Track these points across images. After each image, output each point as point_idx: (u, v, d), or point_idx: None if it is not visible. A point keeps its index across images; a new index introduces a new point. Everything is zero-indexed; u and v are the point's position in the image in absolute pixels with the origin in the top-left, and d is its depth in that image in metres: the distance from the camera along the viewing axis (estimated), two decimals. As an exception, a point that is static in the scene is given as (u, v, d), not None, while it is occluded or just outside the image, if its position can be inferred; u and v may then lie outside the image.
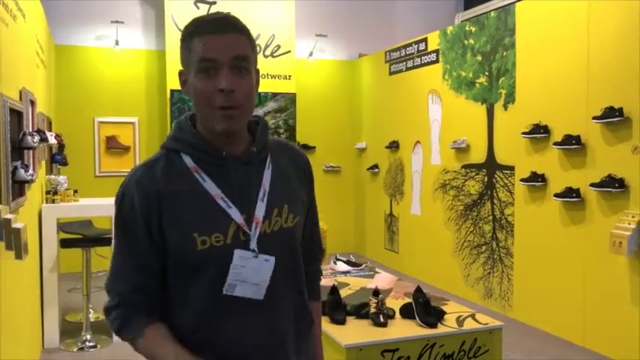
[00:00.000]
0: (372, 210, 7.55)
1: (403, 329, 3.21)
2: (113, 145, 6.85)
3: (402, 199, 6.79)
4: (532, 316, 4.72)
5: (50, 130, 5.17)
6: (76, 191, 4.59)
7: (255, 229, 1.27)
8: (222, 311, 1.26)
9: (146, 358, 1.27)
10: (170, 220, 1.24)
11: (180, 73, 1.30)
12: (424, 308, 3.32)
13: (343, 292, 4.01)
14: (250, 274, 1.25)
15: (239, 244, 1.25)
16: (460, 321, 3.37)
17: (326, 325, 3.29)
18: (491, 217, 5.26)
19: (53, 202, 4.34)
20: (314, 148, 7.70)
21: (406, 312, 3.41)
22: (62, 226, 4.71)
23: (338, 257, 4.88)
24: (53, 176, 4.63)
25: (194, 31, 1.23)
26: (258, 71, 1.30)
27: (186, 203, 1.25)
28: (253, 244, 1.26)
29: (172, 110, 6.47)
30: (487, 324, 3.33)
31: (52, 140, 4.47)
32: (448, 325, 3.27)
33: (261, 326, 1.29)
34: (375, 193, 7.44)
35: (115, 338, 4.43)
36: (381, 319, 3.28)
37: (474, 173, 5.48)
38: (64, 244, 4.52)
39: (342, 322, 3.30)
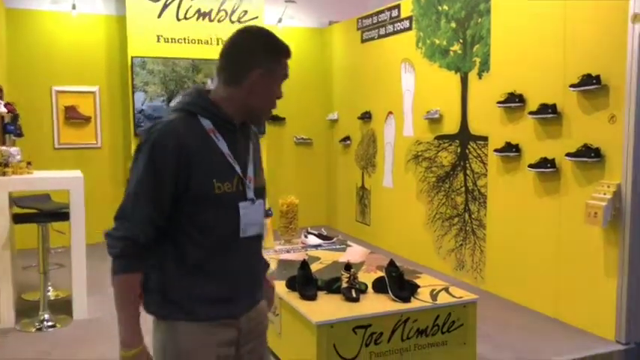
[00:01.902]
0: (343, 183, 7.43)
1: (376, 304, 3.11)
2: (72, 116, 6.51)
3: (374, 171, 6.67)
4: (504, 288, 4.68)
5: (0, 99, 4.84)
6: (29, 163, 4.32)
7: (249, 183, 1.64)
8: (232, 246, 1.62)
9: (116, 292, 1.55)
10: (196, 167, 1.53)
11: (254, 70, 1.59)
12: (397, 282, 3.21)
13: (314, 267, 3.88)
14: (253, 216, 1.64)
15: (239, 194, 1.61)
16: (434, 295, 3.27)
17: (296, 302, 3.16)
18: (463, 189, 5.17)
19: (4, 174, 4.07)
20: (284, 119, 7.49)
21: (379, 286, 3.30)
22: (16, 200, 4.44)
23: (309, 231, 4.74)
24: (4, 147, 4.34)
25: (283, 52, 1.64)
26: None
27: (207, 156, 1.56)
28: (251, 194, 1.64)
29: (133, 78, 6.15)
30: (461, 297, 3.24)
31: (2, 109, 4.18)
32: (422, 300, 3.17)
33: (255, 255, 1.72)
34: (346, 165, 7.31)
35: (75, 317, 4.24)
36: (353, 294, 3.16)
37: (446, 144, 5.36)
38: (18, 219, 4.27)
39: (312, 297, 3.17)
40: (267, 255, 4.27)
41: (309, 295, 3.16)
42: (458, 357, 3.16)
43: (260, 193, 1.69)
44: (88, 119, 6.57)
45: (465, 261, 5.18)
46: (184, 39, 6.33)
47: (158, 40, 6.18)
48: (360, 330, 2.94)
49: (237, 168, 1.62)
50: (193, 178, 1.53)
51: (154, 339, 1.63)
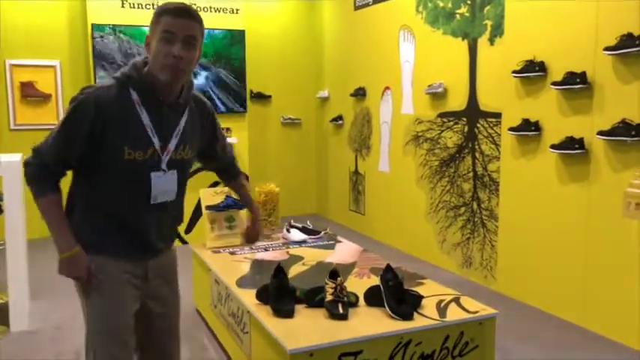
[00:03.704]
0: (335, 167, 6.75)
1: (369, 323, 2.44)
2: (30, 93, 5.79)
3: (369, 154, 5.98)
4: (519, 290, 4.04)
5: None
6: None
7: (166, 155, 1.84)
8: (140, 207, 1.85)
9: (41, 213, 1.79)
10: (110, 133, 1.74)
11: (147, 37, 1.80)
12: (396, 294, 2.55)
13: (295, 270, 3.21)
14: (164, 185, 1.86)
15: (153, 163, 1.82)
16: (442, 308, 2.60)
17: (268, 319, 2.49)
18: (471, 174, 4.50)
19: None
20: (269, 97, 6.78)
21: (372, 298, 2.63)
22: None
23: (292, 224, 4.06)
24: None
25: (164, 12, 1.75)
26: (201, 50, 1.84)
27: (125, 124, 1.76)
28: (163, 165, 1.85)
29: (95, 49, 5.40)
30: (476, 312, 2.57)
31: None
32: (427, 316, 2.51)
33: (163, 216, 1.93)
34: (338, 147, 6.62)
35: (13, 328, 3.57)
36: (340, 310, 2.49)
37: (452, 123, 4.68)
38: (-57, 212, 3.58)
39: (288, 314, 2.49)
40: (243, 254, 3.62)
41: (284, 311, 2.49)
42: (472, 386, 2.51)
43: (180, 165, 1.90)
44: (47, 97, 5.85)
45: (472, 257, 4.52)
46: (153, 4, 5.56)
47: (123, 5, 5.43)
48: (349, 358, 2.28)
49: (156, 140, 1.81)
50: (106, 141, 1.73)
51: None
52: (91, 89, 1.76)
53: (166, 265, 2.02)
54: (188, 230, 5.68)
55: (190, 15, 1.75)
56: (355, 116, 6.22)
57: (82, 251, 1.81)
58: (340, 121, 6.51)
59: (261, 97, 6.73)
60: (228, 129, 5.78)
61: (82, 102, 1.73)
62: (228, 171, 2.29)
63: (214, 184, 5.73)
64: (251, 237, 2.35)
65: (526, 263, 3.97)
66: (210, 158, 2.19)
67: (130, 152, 1.75)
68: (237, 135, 5.91)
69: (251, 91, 6.54)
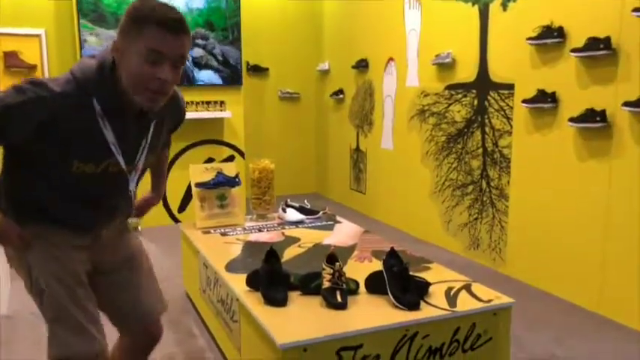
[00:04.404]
0: (335, 143, 6.46)
1: (370, 313, 2.19)
2: (14, 64, 5.48)
3: (371, 130, 5.69)
4: (529, 273, 3.79)
5: None
6: None
7: (135, 174, 1.68)
8: (89, 209, 1.66)
9: None
10: (61, 149, 1.48)
11: (116, 42, 1.45)
12: (400, 281, 2.29)
13: (290, 252, 2.96)
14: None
15: (108, 174, 1.59)
16: (451, 297, 2.35)
17: (258, 308, 2.24)
18: (481, 150, 4.22)
19: None
20: (267, 70, 6.47)
21: (374, 285, 2.38)
22: None
23: (288, 203, 3.80)
24: None
25: (150, 19, 1.40)
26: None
27: (83, 143, 1.50)
28: (132, 186, 1.69)
29: (80, 21, 5.07)
30: (490, 301, 2.31)
31: None
32: (435, 305, 2.25)
33: (105, 212, 1.71)
34: (339, 123, 6.33)
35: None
36: (338, 299, 2.23)
37: (460, 95, 4.38)
38: None
39: (281, 302, 2.24)
40: (235, 235, 3.37)
41: (275, 300, 2.24)
42: (484, 383, 2.27)
43: (141, 173, 1.73)
44: (32, 68, 5.54)
45: (480, 238, 4.26)
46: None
47: (109, -30, 5.10)
48: (348, 353, 2.03)
49: (120, 158, 1.59)
50: (49, 148, 1.49)
51: None
52: (46, 92, 1.42)
53: (117, 234, 1.85)
54: (181, 209, 5.43)
55: (183, 29, 1.45)
56: (357, 90, 5.91)
57: (9, 219, 1.62)
58: (341, 95, 6.20)
59: (257, 70, 6.42)
60: (222, 102, 5.48)
61: (32, 102, 1.40)
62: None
63: (209, 161, 5.47)
64: (142, 208, 2.09)
65: (538, 245, 3.71)
66: None
67: (79, 165, 1.53)
68: (232, 109, 5.60)
69: (247, 64, 6.23)
